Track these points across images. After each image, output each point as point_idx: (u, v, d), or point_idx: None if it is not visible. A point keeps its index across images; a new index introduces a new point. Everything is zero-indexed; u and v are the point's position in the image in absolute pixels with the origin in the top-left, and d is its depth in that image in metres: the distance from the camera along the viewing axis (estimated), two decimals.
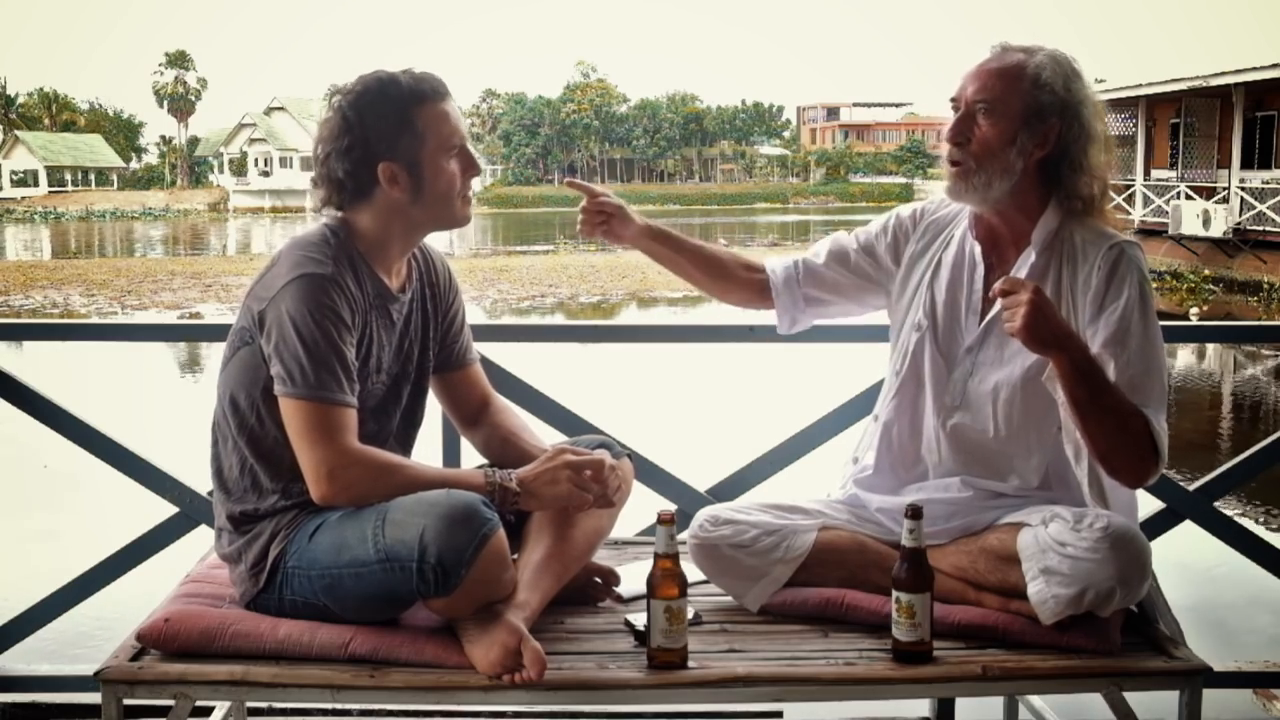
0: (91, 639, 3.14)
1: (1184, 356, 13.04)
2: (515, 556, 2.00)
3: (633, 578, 2.16)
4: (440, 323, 2.20)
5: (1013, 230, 2.13)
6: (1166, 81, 23.68)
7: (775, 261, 2.38)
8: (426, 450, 2.30)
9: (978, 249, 2.16)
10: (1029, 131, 2.05)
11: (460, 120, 2.06)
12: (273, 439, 1.97)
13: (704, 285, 2.40)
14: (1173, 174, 24.63)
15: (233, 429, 2.00)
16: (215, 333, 2.49)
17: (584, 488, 1.99)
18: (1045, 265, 2.09)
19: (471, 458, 2.36)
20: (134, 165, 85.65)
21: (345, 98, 1.99)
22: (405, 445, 2.17)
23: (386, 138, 1.97)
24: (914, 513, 1.88)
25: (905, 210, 2.32)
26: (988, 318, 2.13)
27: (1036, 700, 2.57)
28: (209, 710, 2.30)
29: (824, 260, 2.34)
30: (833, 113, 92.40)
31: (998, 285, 1.94)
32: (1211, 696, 1.98)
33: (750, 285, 2.38)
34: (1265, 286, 19.45)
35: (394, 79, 2.00)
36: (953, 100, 2.11)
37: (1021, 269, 2.10)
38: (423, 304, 2.16)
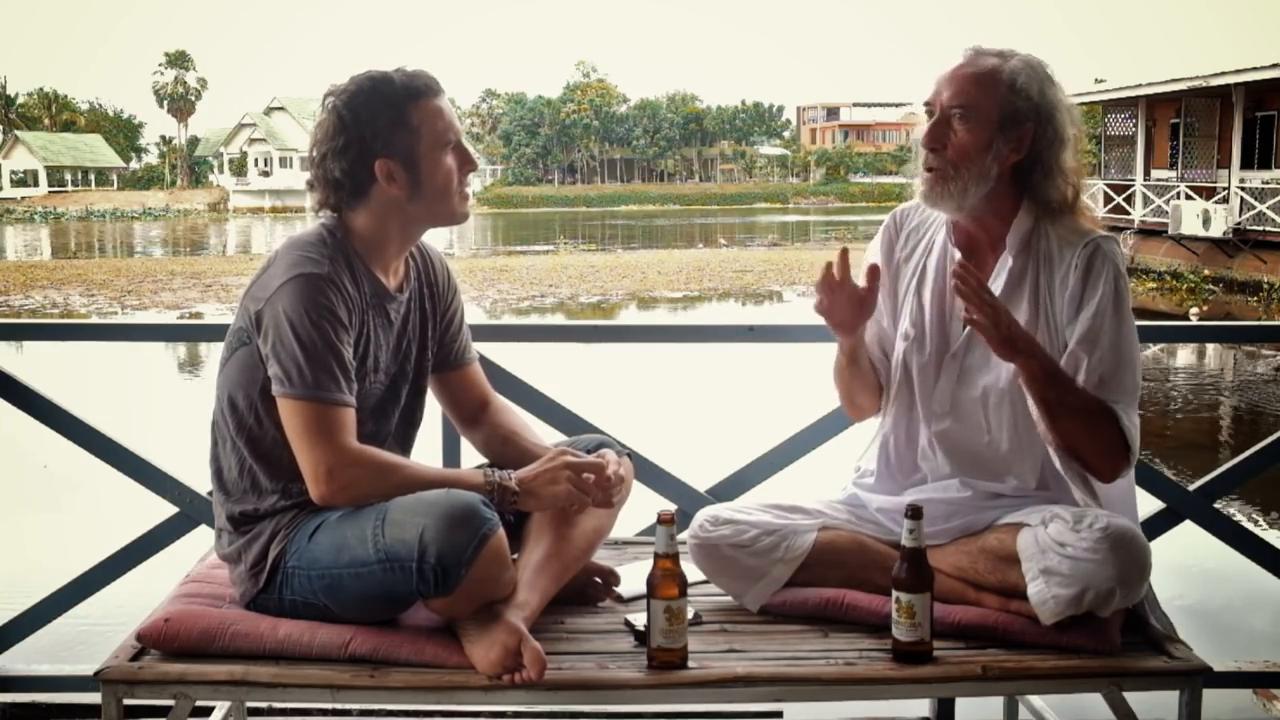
0: (91, 639, 3.14)
1: (1184, 356, 13.04)
2: (515, 556, 2.00)
3: (633, 578, 2.16)
4: (439, 322, 2.20)
5: (989, 235, 2.13)
6: (1166, 81, 23.66)
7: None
8: (426, 450, 2.29)
9: (957, 255, 2.15)
10: (1005, 136, 2.04)
11: (454, 116, 2.06)
12: (271, 439, 1.97)
13: (866, 393, 2.24)
14: (1173, 174, 24.61)
15: (231, 429, 2.00)
16: (215, 333, 2.49)
17: (583, 489, 1.99)
18: (1022, 268, 2.09)
19: (471, 458, 2.36)
20: (134, 165, 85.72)
21: (339, 98, 2.00)
22: (404, 445, 2.17)
23: (382, 135, 1.97)
24: (914, 513, 1.88)
25: (888, 219, 2.29)
26: None
27: (1036, 700, 2.57)
28: (209, 710, 2.29)
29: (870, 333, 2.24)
30: (833, 113, 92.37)
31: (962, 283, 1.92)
32: (1211, 696, 1.98)
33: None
34: (1265, 286, 19.44)
35: (387, 77, 2.01)
36: (926, 105, 2.09)
37: (999, 274, 2.10)
38: (420, 303, 2.16)
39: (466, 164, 2.07)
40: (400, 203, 2.02)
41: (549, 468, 1.99)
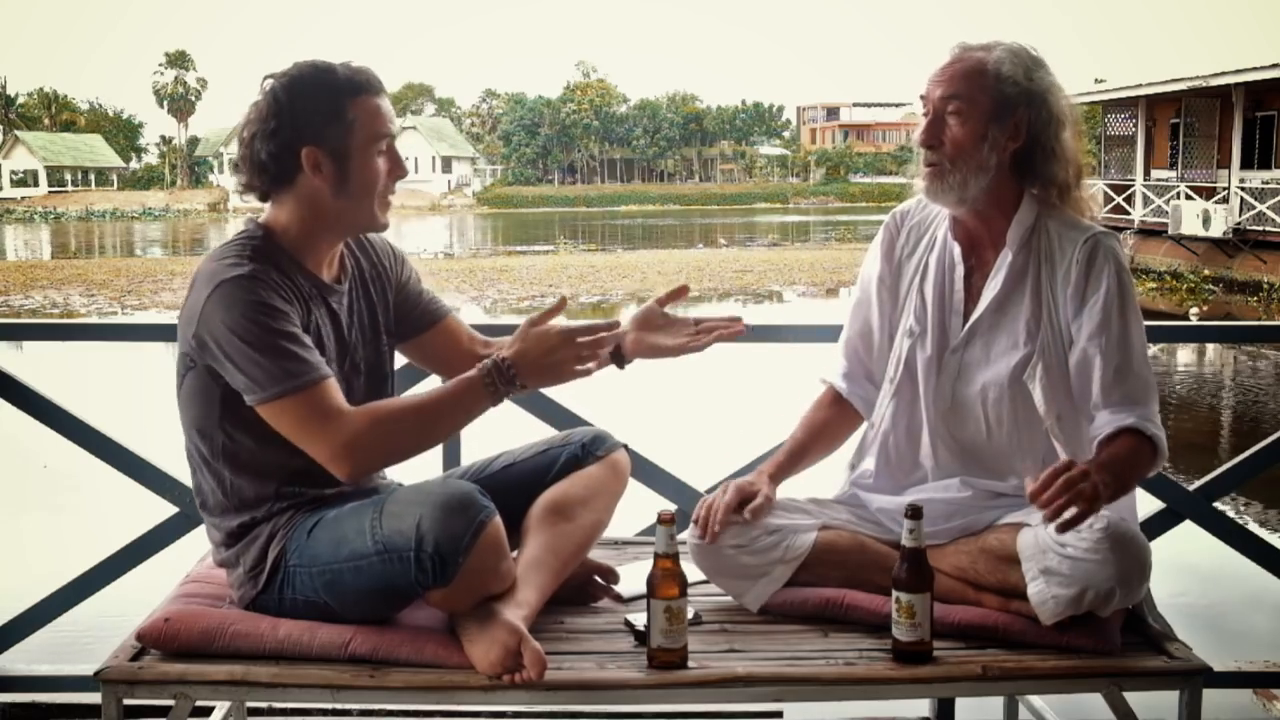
0: (91, 639, 3.14)
1: (1184, 356, 13.04)
2: (515, 555, 1.99)
3: (633, 578, 2.16)
4: (387, 306, 2.15)
5: (990, 230, 2.14)
6: (1166, 81, 23.67)
7: (830, 373, 2.32)
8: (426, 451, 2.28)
9: (956, 249, 2.17)
10: (999, 126, 2.06)
11: (393, 118, 2.02)
12: (248, 451, 1.94)
13: (826, 449, 2.31)
14: (1173, 174, 24.62)
15: (206, 455, 1.97)
16: None
17: (581, 350, 1.93)
18: (1023, 264, 2.10)
19: (471, 456, 2.36)
20: (134, 165, 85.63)
21: (279, 80, 1.95)
22: None
23: (314, 123, 1.93)
24: (914, 513, 1.88)
25: (889, 218, 2.30)
26: (971, 319, 2.14)
27: (1036, 700, 2.57)
28: (209, 710, 2.29)
29: (874, 342, 2.27)
30: (833, 113, 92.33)
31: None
32: (1211, 696, 1.98)
33: (845, 415, 2.30)
34: (1265, 286, 19.45)
35: (330, 67, 1.96)
36: (922, 101, 2.13)
37: (999, 270, 2.11)
38: (365, 290, 2.12)
39: (397, 168, 2.01)
40: (323, 196, 1.96)
41: (535, 333, 1.91)
